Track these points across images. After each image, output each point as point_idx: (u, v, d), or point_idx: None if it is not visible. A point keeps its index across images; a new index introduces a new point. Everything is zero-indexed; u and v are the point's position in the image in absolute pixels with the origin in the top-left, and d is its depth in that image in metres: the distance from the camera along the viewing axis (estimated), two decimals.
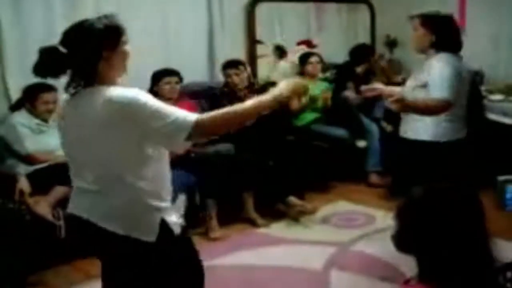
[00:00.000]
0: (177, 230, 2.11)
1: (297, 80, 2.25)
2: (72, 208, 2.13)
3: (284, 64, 5.82)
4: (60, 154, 3.94)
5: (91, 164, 2.04)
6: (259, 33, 5.68)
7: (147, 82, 4.53)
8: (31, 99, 3.96)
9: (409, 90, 3.40)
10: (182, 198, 3.76)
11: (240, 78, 4.70)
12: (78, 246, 2.26)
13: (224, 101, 4.67)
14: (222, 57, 5.15)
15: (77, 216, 2.08)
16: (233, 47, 5.40)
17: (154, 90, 4.51)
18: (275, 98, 2.08)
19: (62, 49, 1.98)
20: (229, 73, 4.75)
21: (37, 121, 3.98)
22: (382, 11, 6.56)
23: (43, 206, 3.58)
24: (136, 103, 1.94)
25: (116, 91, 1.98)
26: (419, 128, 3.38)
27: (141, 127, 1.95)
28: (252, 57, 5.59)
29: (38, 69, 2.01)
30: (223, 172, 4.23)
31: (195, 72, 5.08)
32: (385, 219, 4.19)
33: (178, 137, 1.95)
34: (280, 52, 5.87)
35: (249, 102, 2.06)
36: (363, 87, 3.59)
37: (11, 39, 4.18)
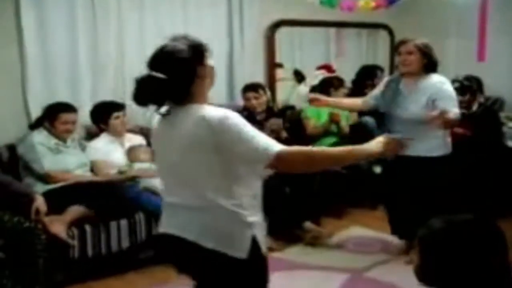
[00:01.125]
0: (263, 247, 2.13)
1: (391, 139, 2.20)
2: (164, 227, 2.17)
3: (303, 88, 5.82)
4: (77, 174, 4.01)
5: (185, 181, 2.07)
6: (279, 57, 5.70)
7: None
8: (50, 119, 4.00)
9: (416, 111, 3.69)
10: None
11: (259, 102, 4.71)
12: (171, 265, 2.26)
13: None
14: (241, 81, 5.17)
15: (169, 234, 2.12)
16: (252, 70, 5.43)
17: None
18: (370, 155, 2.14)
19: (159, 76, 2.00)
20: (249, 97, 4.76)
21: (55, 140, 4.02)
22: (401, 36, 6.52)
23: (58, 226, 3.58)
24: (225, 123, 1.96)
25: (209, 110, 2.01)
26: (434, 145, 3.74)
27: (227, 148, 1.97)
28: (272, 81, 5.60)
29: (140, 98, 2.04)
30: None
31: (214, 95, 5.05)
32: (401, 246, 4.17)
33: (258, 165, 2.00)
34: (299, 76, 5.87)
35: (340, 148, 2.07)
36: (310, 95, 4.06)
37: (33, 57, 4.22)
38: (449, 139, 3.85)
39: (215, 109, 2.01)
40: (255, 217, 2.10)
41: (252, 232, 2.06)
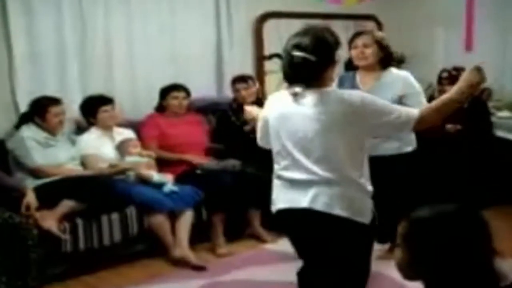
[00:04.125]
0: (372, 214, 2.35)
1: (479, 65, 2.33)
2: (286, 202, 2.34)
3: None
4: (68, 168, 3.99)
5: (318, 158, 2.24)
6: (267, 49, 5.68)
7: (155, 97, 4.56)
8: (41, 113, 3.97)
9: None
10: None
11: (249, 93, 4.69)
12: (294, 237, 2.43)
13: (232, 117, 4.69)
14: (230, 73, 5.15)
15: (295, 208, 2.29)
16: (241, 62, 5.40)
17: (162, 105, 4.53)
18: (472, 85, 2.25)
19: (311, 58, 2.22)
20: (238, 88, 4.74)
21: (45, 134, 3.99)
22: (390, 28, 6.55)
23: (49, 220, 3.56)
24: (366, 101, 2.24)
25: (344, 92, 2.33)
26: (402, 142, 3.59)
27: (371, 122, 2.24)
28: (260, 73, 5.58)
29: (293, 77, 2.28)
30: (230, 188, 4.21)
31: (203, 87, 5.08)
32: None
33: (405, 129, 2.30)
34: None
35: (452, 91, 2.25)
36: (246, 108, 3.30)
37: (21, 50, 4.19)
38: (413, 135, 3.64)
39: (349, 91, 2.33)
40: (370, 187, 2.34)
41: (370, 200, 2.32)
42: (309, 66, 2.23)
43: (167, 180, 4.09)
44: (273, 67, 5.77)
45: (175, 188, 4.06)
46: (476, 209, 1.60)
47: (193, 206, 4.06)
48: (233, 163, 4.40)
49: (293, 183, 2.31)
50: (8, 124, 4.14)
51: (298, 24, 5.76)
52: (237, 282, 3.69)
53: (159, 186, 4.03)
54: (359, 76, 3.69)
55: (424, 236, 1.51)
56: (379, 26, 6.64)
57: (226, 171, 4.33)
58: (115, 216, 3.86)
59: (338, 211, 2.23)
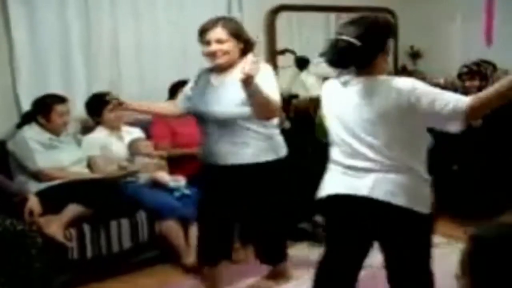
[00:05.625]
0: None
1: None
2: (341, 188, 2.34)
3: (306, 77, 5.58)
4: (73, 170, 3.78)
5: (376, 146, 2.25)
6: (278, 44, 5.47)
7: (165, 94, 4.36)
8: (45, 112, 3.76)
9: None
10: None
11: None
12: (345, 226, 2.42)
13: None
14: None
15: (350, 195, 2.30)
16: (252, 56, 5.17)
17: None
18: None
19: (356, 43, 2.19)
20: None
21: (49, 135, 3.80)
22: (406, 21, 6.33)
23: (54, 227, 3.38)
24: (418, 89, 2.19)
25: (398, 80, 2.26)
26: (262, 147, 3.09)
27: (425, 110, 2.17)
28: (273, 68, 5.34)
29: (338, 62, 2.28)
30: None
31: None
32: None
33: (455, 121, 2.16)
34: (301, 63, 5.63)
35: (499, 84, 2.13)
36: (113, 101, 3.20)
37: (22, 46, 4.00)
38: (280, 138, 3.25)
39: (404, 79, 2.25)
40: (428, 175, 2.33)
41: (429, 188, 2.32)
42: (354, 51, 2.21)
43: (182, 184, 3.94)
44: (286, 62, 5.60)
45: (187, 192, 3.90)
46: None
47: None
48: None
49: (351, 170, 2.32)
50: (9, 124, 3.95)
51: (309, 18, 5.78)
52: None
53: (171, 190, 3.88)
54: (215, 73, 3.18)
55: (497, 257, 1.23)
56: (394, 19, 6.44)
57: None
58: (124, 221, 3.68)
59: (398, 200, 2.23)
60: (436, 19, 6.10)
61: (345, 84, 2.31)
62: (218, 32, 3.01)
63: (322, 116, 4.74)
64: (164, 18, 4.66)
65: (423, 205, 2.28)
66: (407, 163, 2.25)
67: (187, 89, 3.33)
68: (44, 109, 3.78)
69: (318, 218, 4.16)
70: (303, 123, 4.85)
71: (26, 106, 3.94)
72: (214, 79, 3.13)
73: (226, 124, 3.02)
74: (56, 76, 4.18)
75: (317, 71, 5.56)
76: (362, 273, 3.54)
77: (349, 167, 2.32)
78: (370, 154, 2.26)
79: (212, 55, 3.04)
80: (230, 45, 3.03)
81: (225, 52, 3.02)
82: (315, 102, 4.69)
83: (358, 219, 2.35)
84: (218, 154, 3.08)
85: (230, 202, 3.21)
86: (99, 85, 4.26)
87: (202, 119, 3.15)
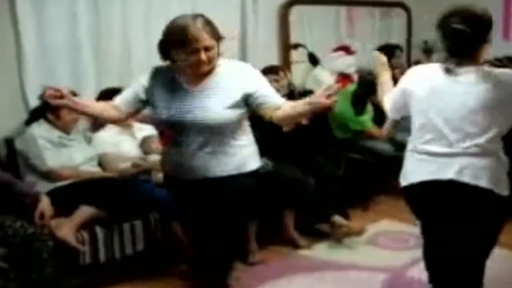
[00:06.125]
0: None
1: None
2: (426, 175, 2.42)
3: (319, 72, 5.43)
4: (84, 169, 3.64)
5: (469, 133, 2.33)
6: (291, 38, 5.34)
7: None
8: (53, 109, 3.60)
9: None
10: None
11: (281, 85, 4.26)
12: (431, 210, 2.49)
13: None
14: (254, 62, 4.77)
15: (436, 180, 2.38)
16: (266, 52, 5.08)
17: None
18: None
19: (468, 29, 2.29)
20: (269, 80, 4.35)
21: (58, 133, 3.66)
22: (420, 16, 6.18)
23: (65, 229, 3.23)
24: None
25: (498, 70, 2.37)
26: (246, 156, 2.82)
27: None
28: (286, 63, 5.23)
29: (452, 49, 2.34)
30: (262, 190, 3.82)
31: None
32: None
33: None
34: (314, 59, 5.48)
35: None
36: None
37: (30, 42, 3.86)
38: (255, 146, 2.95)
39: (502, 70, 2.37)
40: (506, 158, 2.42)
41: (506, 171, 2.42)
42: (466, 38, 2.30)
43: None
44: (299, 57, 5.45)
45: None
46: None
47: None
48: (264, 162, 4.02)
49: (437, 156, 2.39)
50: (17, 121, 3.81)
51: (320, 12, 5.63)
52: None
53: None
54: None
55: None
56: (408, 14, 6.30)
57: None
58: (138, 223, 3.54)
59: (483, 182, 2.31)
60: None
61: (449, 71, 2.36)
62: (206, 39, 2.60)
63: (341, 112, 4.66)
64: (176, 12, 4.47)
65: (504, 187, 2.38)
66: (492, 148, 2.35)
67: (137, 91, 2.80)
68: (53, 106, 3.62)
69: (337, 219, 4.01)
70: (318, 119, 4.70)
71: (34, 102, 3.79)
72: (187, 84, 2.73)
73: (213, 131, 2.68)
74: (65, 72, 4.05)
75: (332, 66, 5.43)
76: (382, 277, 3.51)
77: (435, 154, 2.39)
78: (461, 140, 2.34)
79: (200, 64, 2.66)
80: (216, 50, 2.67)
81: (212, 59, 2.67)
82: None
83: (445, 203, 2.42)
84: (197, 166, 2.72)
85: (211, 216, 2.81)
86: (109, 81, 4.13)
87: (173, 127, 2.75)
